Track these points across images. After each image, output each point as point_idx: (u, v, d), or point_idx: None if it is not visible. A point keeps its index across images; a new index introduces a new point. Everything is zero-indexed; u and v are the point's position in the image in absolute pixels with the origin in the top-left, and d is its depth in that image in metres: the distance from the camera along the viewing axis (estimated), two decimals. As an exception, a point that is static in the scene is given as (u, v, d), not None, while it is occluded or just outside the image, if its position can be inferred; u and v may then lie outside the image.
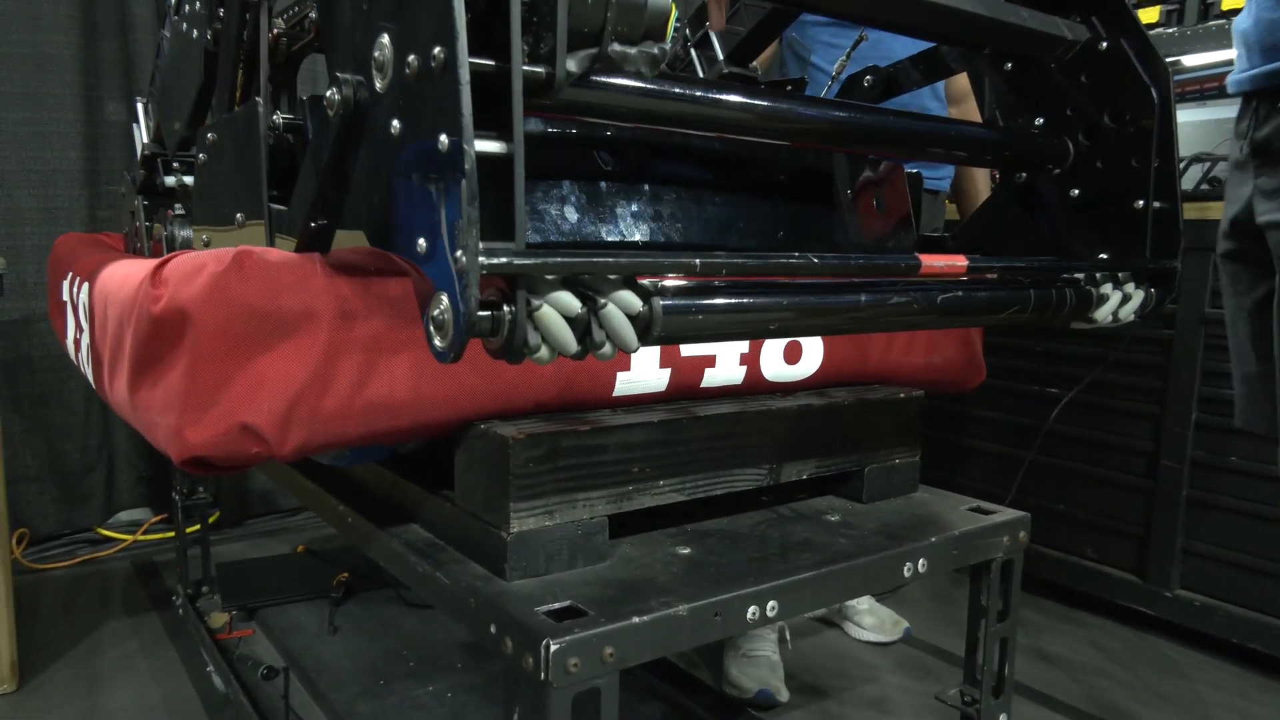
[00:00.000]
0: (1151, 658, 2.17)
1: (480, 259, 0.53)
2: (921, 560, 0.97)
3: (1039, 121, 1.12)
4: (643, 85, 0.71)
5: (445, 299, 0.56)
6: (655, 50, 0.62)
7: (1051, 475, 2.45)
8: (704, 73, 1.41)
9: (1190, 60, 2.57)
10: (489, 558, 0.84)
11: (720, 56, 1.42)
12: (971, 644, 1.12)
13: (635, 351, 0.64)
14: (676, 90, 0.75)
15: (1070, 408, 2.39)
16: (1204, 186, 2.13)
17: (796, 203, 1.18)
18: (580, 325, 0.61)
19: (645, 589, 0.81)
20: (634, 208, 1.02)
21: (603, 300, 0.61)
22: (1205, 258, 2.09)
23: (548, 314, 0.58)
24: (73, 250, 1.46)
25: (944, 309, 0.83)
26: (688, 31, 1.44)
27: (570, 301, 0.59)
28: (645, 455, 0.90)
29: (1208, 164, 2.13)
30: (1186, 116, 2.44)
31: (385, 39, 0.61)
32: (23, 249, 2.43)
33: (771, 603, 0.84)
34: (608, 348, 0.62)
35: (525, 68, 0.57)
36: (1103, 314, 0.98)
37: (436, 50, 0.55)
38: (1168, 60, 2.39)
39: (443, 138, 0.55)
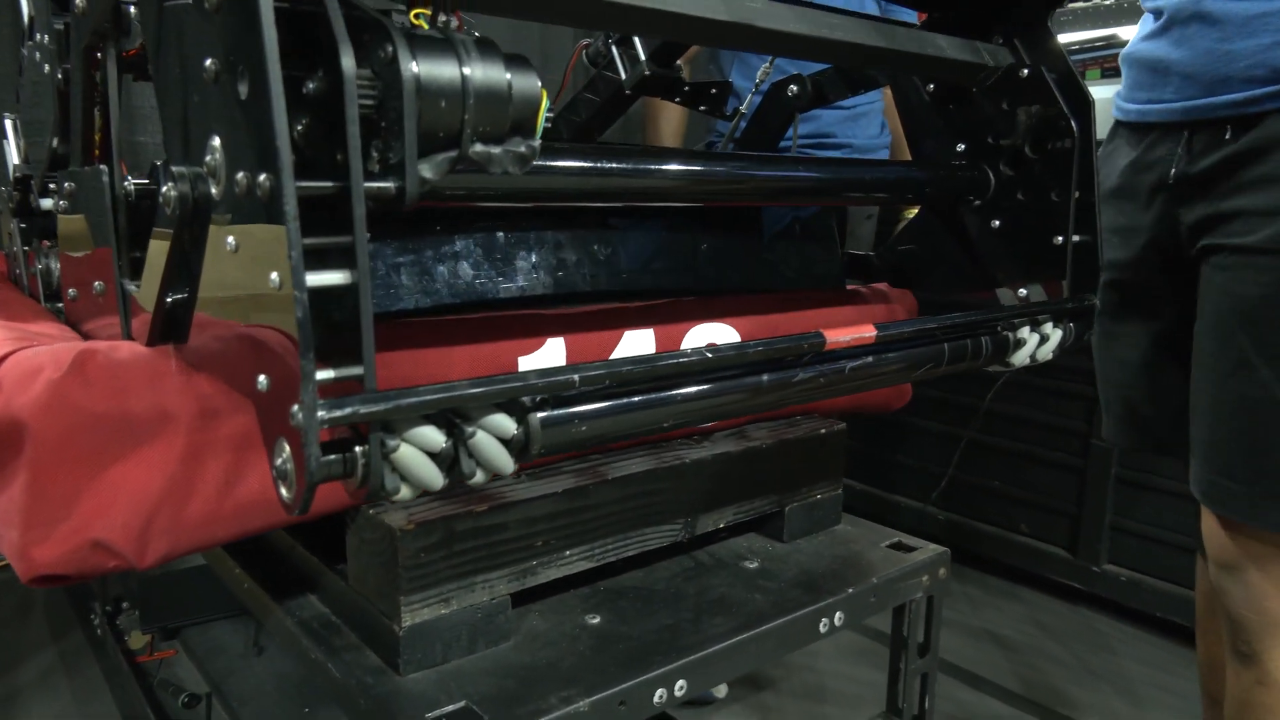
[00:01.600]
0: (1082, 632, 2.23)
1: (320, 414, 0.48)
2: (839, 614, 0.95)
3: (960, 147, 1.08)
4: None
5: (287, 448, 0.51)
6: (523, 148, 0.56)
7: (990, 453, 2.48)
8: (625, 73, 1.34)
9: (1126, 33, 2.54)
10: (383, 648, 0.80)
11: (643, 56, 1.35)
12: (893, 676, 1.11)
13: (511, 472, 0.60)
14: (561, 164, 0.69)
15: (1007, 387, 2.40)
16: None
17: (715, 232, 1.13)
18: (446, 458, 0.56)
19: (548, 677, 0.78)
20: (534, 257, 0.96)
21: (470, 429, 0.56)
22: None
23: (406, 454, 0.53)
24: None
25: (854, 377, 0.80)
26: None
27: (433, 436, 0.54)
28: (550, 528, 0.86)
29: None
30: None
31: (217, 142, 0.55)
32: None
33: (680, 682, 0.81)
34: (479, 476, 0.58)
35: (370, 184, 0.51)
36: (1020, 358, 0.95)
37: (262, 177, 0.48)
38: (1102, 35, 2.36)
39: (273, 274, 0.49)
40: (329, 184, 0.50)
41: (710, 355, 0.66)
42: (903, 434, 2.70)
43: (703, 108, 1.43)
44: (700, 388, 0.69)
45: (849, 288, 1.25)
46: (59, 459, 0.65)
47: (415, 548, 0.76)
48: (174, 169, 0.59)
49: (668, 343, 0.97)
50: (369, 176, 0.53)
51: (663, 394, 0.67)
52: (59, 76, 0.89)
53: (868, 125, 2.07)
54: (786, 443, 1.07)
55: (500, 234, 0.93)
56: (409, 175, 0.52)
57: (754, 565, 1.03)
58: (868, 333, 0.77)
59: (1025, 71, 1.00)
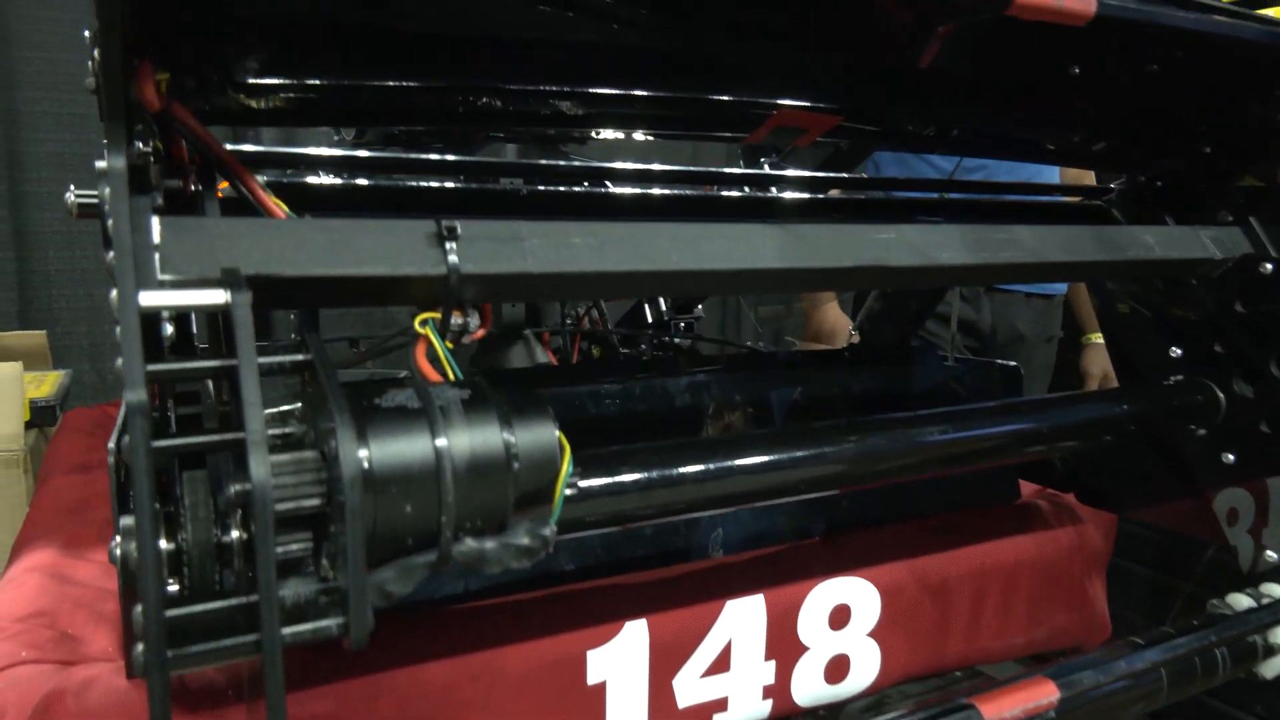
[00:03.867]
0: None
1: None
2: None
3: (1176, 352, 0.83)
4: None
5: None
6: (527, 540, 0.40)
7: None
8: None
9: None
10: None
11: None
12: None
13: None
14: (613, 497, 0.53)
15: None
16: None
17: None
18: None
19: None
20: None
21: None
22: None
23: None
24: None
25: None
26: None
27: None
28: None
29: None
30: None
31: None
32: None
33: None
34: None
35: (296, 627, 0.37)
36: (1272, 668, 0.69)
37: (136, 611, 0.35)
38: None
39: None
40: (240, 640, 0.36)
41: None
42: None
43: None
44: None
45: (1025, 500, 1.00)
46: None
47: None
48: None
49: (784, 611, 0.78)
50: (320, 584, 0.38)
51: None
52: None
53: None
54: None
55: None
56: (353, 610, 0.37)
57: None
58: (1044, 697, 0.54)
59: (1269, 266, 0.75)
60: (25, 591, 0.71)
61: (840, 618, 0.81)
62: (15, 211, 2.23)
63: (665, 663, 0.73)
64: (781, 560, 0.82)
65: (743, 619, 0.76)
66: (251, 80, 0.50)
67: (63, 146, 2.28)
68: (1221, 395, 0.79)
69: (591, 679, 0.70)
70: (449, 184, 0.67)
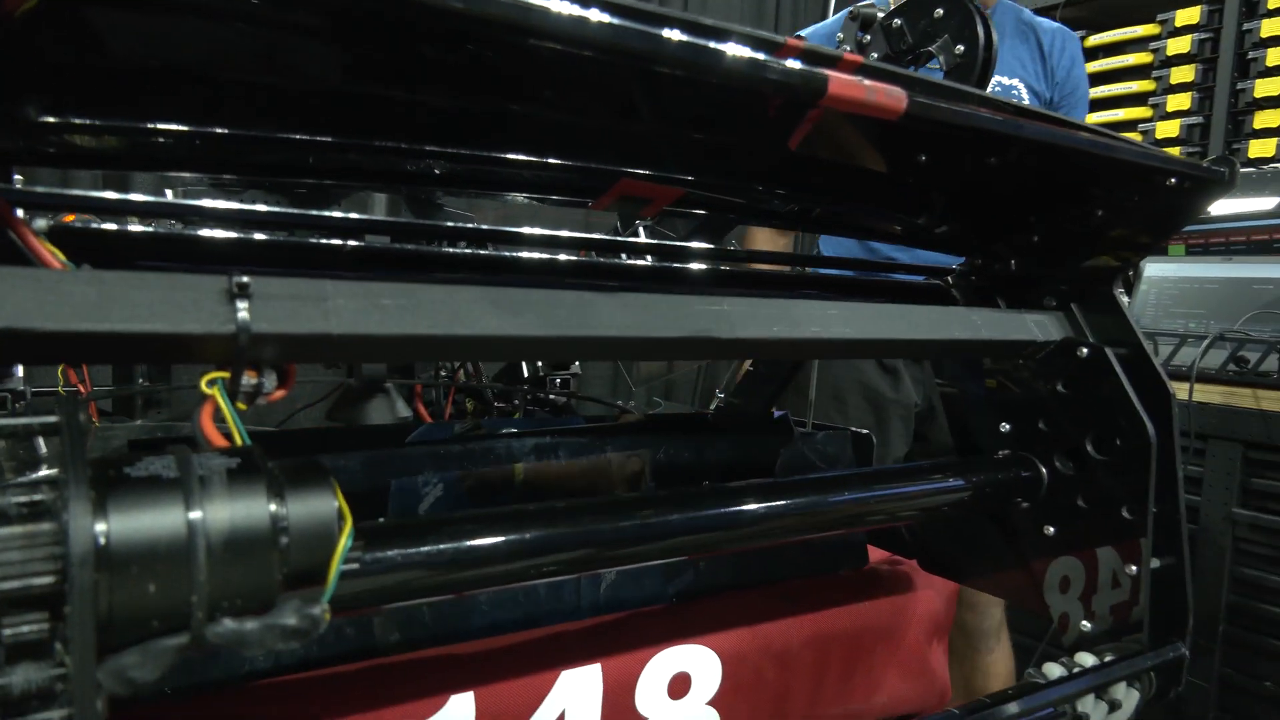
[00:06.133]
0: None
1: None
2: None
3: (1005, 427, 0.87)
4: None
5: None
6: (295, 620, 0.38)
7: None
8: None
9: (1217, 208, 2.31)
10: None
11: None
12: None
13: None
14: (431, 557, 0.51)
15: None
16: (1232, 368, 1.86)
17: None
18: None
19: None
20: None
21: None
22: (1232, 451, 1.82)
23: None
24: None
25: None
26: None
27: None
28: None
29: (1236, 343, 1.86)
30: (1211, 272, 2.18)
31: None
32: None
33: None
34: None
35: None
36: (1083, 738, 0.72)
37: None
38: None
39: None
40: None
41: None
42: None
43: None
44: None
45: (870, 566, 1.02)
46: None
47: None
48: None
49: (621, 680, 0.76)
50: (41, 692, 0.35)
51: None
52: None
53: None
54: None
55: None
56: (78, 699, 0.34)
57: None
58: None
59: (1084, 350, 0.79)
60: None
61: (680, 686, 0.80)
62: None
63: (493, 740, 0.70)
64: (623, 627, 0.80)
65: (577, 690, 0.74)
66: (44, 119, 0.47)
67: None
68: (1044, 470, 0.83)
69: (411, 759, 0.67)
70: (280, 237, 0.65)
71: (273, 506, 0.38)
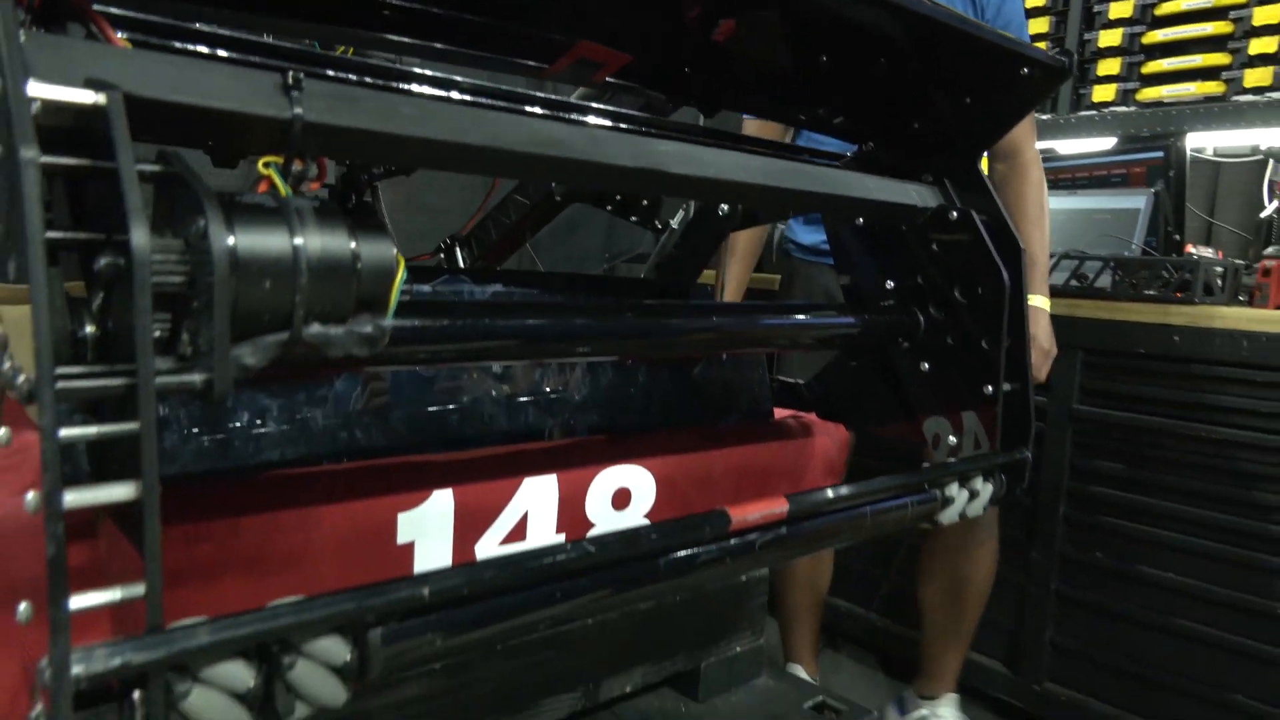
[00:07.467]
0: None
1: (76, 669, 0.39)
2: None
3: (890, 284, 1.03)
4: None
5: (39, 705, 0.41)
6: (370, 329, 0.49)
7: (927, 563, 2.41)
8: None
9: (1063, 148, 2.59)
10: None
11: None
12: None
13: (345, 702, 0.50)
14: (436, 324, 0.62)
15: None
16: (1073, 283, 2.13)
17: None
18: (257, 696, 0.46)
19: None
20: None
21: (289, 659, 0.47)
22: (1073, 355, 2.09)
23: (202, 702, 0.44)
24: None
25: (766, 554, 0.72)
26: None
27: (239, 674, 0.45)
28: (422, 712, 0.76)
29: (1077, 261, 2.13)
30: (1058, 204, 2.46)
31: (-2, 313, 0.46)
32: None
33: None
34: (301, 711, 0.48)
35: (169, 378, 0.43)
36: (949, 516, 0.89)
37: (21, 379, 0.40)
38: (1041, 147, 2.39)
39: (30, 494, 0.40)
40: (116, 381, 0.42)
41: (593, 550, 0.58)
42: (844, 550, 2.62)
43: (634, 219, 1.38)
44: (584, 581, 0.61)
45: (777, 419, 1.18)
46: None
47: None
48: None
49: (573, 490, 0.89)
50: (179, 362, 0.45)
51: (539, 590, 0.59)
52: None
53: None
54: (703, 595, 0.99)
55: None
56: (217, 368, 0.44)
57: (662, 735, 0.94)
58: (778, 507, 0.70)
59: (954, 214, 0.96)
60: None
61: (622, 500, 0.93)
62: None
63: (469, 528, 0.82)
64: (575, 449, 0.93)
65: (538, 495, 0.86)
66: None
67: None
68: (921, 317, 1.00)
69: (401, 538, 0.77)
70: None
71: (351, 242, 0.48)
